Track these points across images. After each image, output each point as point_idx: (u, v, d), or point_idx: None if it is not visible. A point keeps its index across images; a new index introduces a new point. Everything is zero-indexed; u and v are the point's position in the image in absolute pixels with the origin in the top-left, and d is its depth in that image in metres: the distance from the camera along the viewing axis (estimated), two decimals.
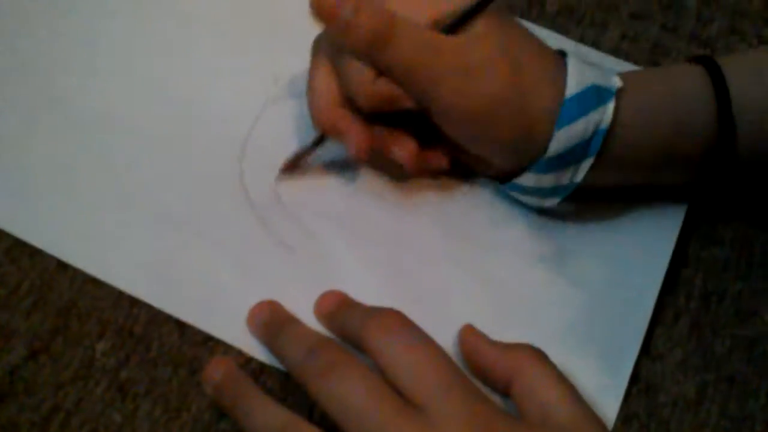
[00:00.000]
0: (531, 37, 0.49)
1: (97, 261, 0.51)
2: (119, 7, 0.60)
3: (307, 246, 0.52)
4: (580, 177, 0.49)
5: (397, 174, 0.55)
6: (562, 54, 0.50)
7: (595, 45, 0.61)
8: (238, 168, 0.54)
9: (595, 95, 0.48)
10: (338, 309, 0.49)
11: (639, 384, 0.49)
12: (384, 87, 0.48)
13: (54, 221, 0.52)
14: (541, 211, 0.54)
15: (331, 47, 0.50)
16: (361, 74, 0.48)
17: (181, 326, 0.49)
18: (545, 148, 0.48)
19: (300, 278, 0.51)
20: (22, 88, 0.56)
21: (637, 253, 0.53)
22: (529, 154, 0.49)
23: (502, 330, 0.48)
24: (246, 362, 0.48)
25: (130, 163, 0.54)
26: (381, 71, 0.47)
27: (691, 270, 0.53)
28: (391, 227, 0.53)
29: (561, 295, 0.52)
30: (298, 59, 0.53)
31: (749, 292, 0.53)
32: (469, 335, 0.48)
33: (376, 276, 0.51)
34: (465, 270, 0.52)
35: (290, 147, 0.54)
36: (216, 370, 0.46)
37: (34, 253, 0.51)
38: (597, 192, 0.52)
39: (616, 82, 0.49)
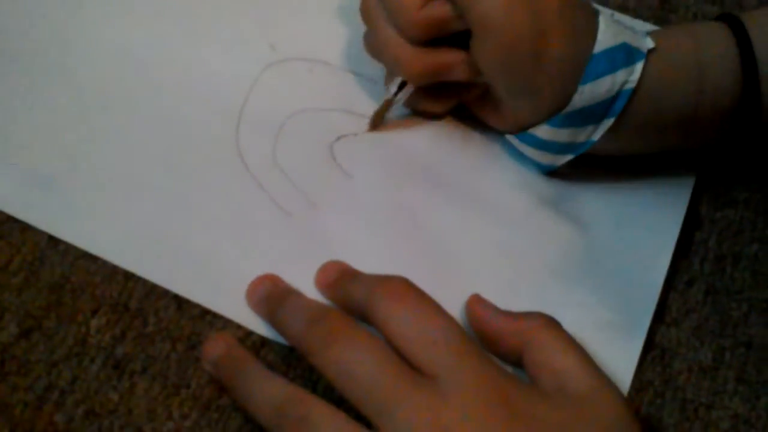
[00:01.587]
0: None
1: (89, 235, 0.49)
2: None
3: (306, 211, 0.51)
4: (597, 136, 0.48)
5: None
6: (595, 12, 0.49)
7: (602, 2, 0.59)
8: (234, 134, 0.53)
9: (625, 54, 0.47)
10: (341, 279, 0.47)
11: (654, 351, 0.48)
12: (434, 10, 0.47)
13: (44, 195, 0.50)
14: (552, 176, 0.53)
15: None
16: (406, 2, 0.47)
17: (178, 300, 0.48)
18: (567, 101, 0.47)
19: (299, 245, 0.50)
20: (13, 65, 0.55)
21: (649, 217, 0.52)
22: (552, 103, 0.48)
23: (512, 298, 0.47)
24: (246, 336, 0.47)
25: (122, 134, 0.53)
26: None
27: (704, 233, 0.52)
28: (391, 191, 0.52)
29: (573, 262, 0.50)
30: (294, 25, 0.53)
31: (765, 254, 0.51)
32: (477, 305, 0.46)
33: (377, 241, 0.50)
34: (472, 237, 0.51)
35: (287, 112, 0.54)
36: (215, 346, 0.45)
37: (25, 228, 0.49)
38: (607, 159, 0.52)
39: (648, 43, 0.48)
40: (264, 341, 0.47)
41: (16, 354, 0.46)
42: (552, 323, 0.44)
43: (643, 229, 0.51)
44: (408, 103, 0.54)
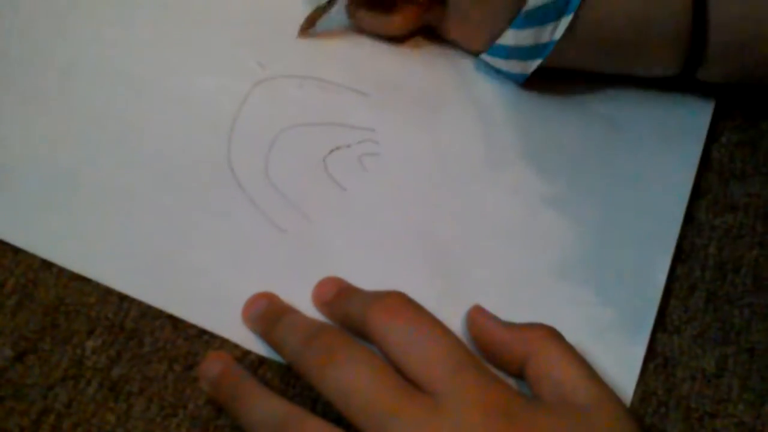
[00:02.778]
0: None
1: (81, 258, 0.49)
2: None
3: (300, 226, 0.50)
4: (559, 34, 0.50)
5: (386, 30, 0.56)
6: None
7: None
8: (226, 152, 0.53)
9: None
10: (338, 296, 0.47)
11: (656, 359, 0.47)
12: None
13: (34, 219, 0.50)
14: (549, 180, 0.53)
15: None
16: None
17: (174, 319, 0.47)
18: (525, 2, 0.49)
19: (294, 261, 0.49)
20: (8, 86, 0.55)
21: (647, 223, 0.51)
22: (511, 7, 0.50)
23: (512, 308, 0.46)
24: (243, 355, 0.46)
25: (113, 155, 0.52)
26: None
27: (704, 239, 0.51)
28: (387, 203, 0.52)
29: (571, 270, 0.50)
30: (281, 43, 0.54)
31: (766, 259, 0.51)
32: (478, 315, 0.46)
33: (374, 255, 0.50)
34: (471, 246, 0.50)
35: (278, 127, 0.54)
36: (212, 365, 0.44)
37: (18, 250, 0.49)
38: (604, 163, 0.52)
39: None
40: (261, 360, 0.46)
41: (11, 378, 0.45)
42: (554, 334, 0.43)
43: (641, 235, 0.51)
44: (368, 26, 0.56)
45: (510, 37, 0.52)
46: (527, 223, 0.51)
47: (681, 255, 0.51)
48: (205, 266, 0.49)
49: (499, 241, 0.51)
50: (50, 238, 0.49)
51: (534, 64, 0.52)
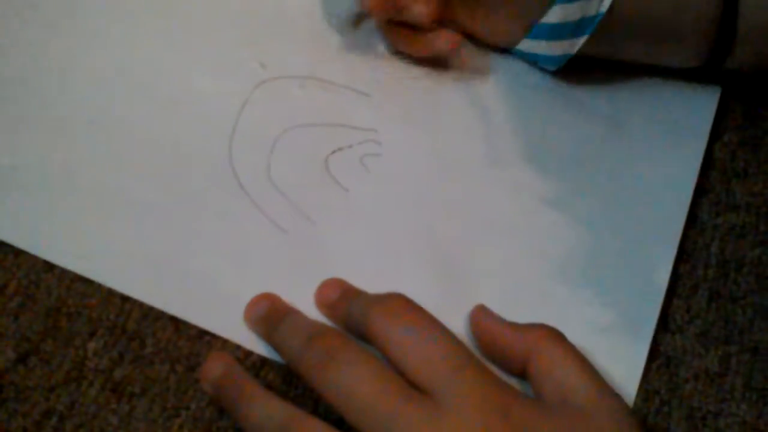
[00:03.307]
0: None
1: (83, 259, 0.49)
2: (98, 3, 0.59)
3: (302, 227, 0.50)
4: (606, 6, 0.48)
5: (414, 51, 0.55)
6: None
7: None
8: (228, 153, 0.53)
9: None
10: (341, 298, 0.47)
11: (659, 359, 0.47)
12: None
13: (35, 220, 0.50)
14: (551, 181, 0.52)
15: None
16: None
17: (176, 321, 0.47)
18: None
19: (296, 262, 0.49)
20: (6, 89, 0.55)
21: (649, 222, 0.51)
22: None
23: (515, 308, 0.46)
24: (245, 356, 0.46)
25: (114, 156, 0.52)
26: None
27: (706, 238, 0.51)
28: (389, 204, 0.52)
29: (574, 270, 0.50)
30: (283, 43, 0.53)
31: None
32: (481, 315, 0.46)
33: (376, 256, 0.50)
34: (473, 247, 0.50)
35: (280, 128, 0.54)
36: (214, 366, 0.44)
37: (19, 252, 0.49)
38: (606, 160, 0.52)
39: None
40: (263, 361, 0.46)
41: (13, 379, 0.45)
42: (556, 335, 0.43)
43: (643, 234, 0.51)
44: (400, 48, 0.55)
45: (557, 14, 0.50)
46: (529, 223, 0.51)
47: (683, 254, 0.50)
48: (206, 267, 0.49)
49: (502, 242, 0.51)
50: (52, 240, 0.49)
51: (580, 42, 0.51)
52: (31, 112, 0.54)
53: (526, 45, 0.53)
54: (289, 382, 0.45)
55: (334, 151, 0.53)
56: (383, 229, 0.51)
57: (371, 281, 0.46)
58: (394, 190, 0.52)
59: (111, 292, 0.48)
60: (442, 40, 0.53)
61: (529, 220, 0.51)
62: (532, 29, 0.52)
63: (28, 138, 0.53)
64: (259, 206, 0.51)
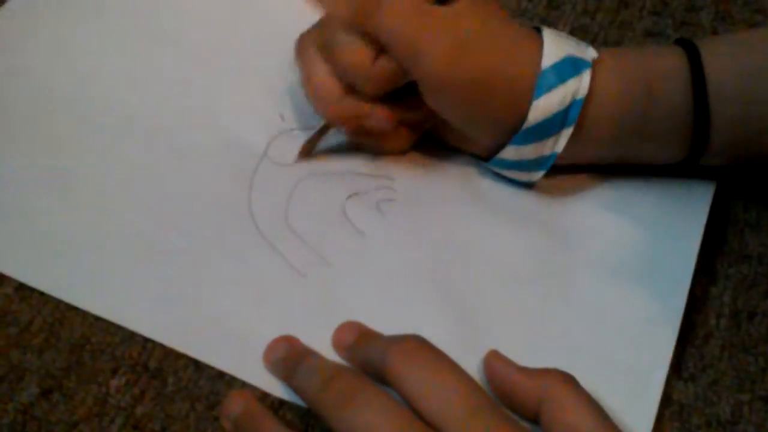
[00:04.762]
0: (504, 13, 0.52)
1: (105, 302, 0.49)
2: (118, 44, 0.61)
3: (319, 270, 0.51)
4: (560, 147, 0.51)
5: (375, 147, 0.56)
6: (537, 29, 0.51)
7: None
8: (247, 198, 0.54)
9: (571, 65, 0.50)
10: (358, 341, 0.47)
11: (672, 406, 0.48)
12: (383, 65, 0.50)
13: (58, 264, 0.51)
14: (559, 228, 0.53)
15: (321, 41, 0.52)
16: (359, 60, 0.50)
17: (196, 360, 0.48)
18: (525, 119, 0.50)
19: (315, 306, 0.50)
20: (15, 127, 0.56)
21: (661, 267, 0.52)
22: (510, 126, 0.50)
23: (529, 353, 0.46)
24: (264, 396, 0.47)
25: (136, 200, 0.54)
26: (373, 38, 0.49)
27: (719, 288, 0.52)
28: (406, 248, 0.53)
29: (587, 318, 0.50)
30: (303, 96, 0.54)
31: None
32: (494, 361, 0.46)
33: (393, 299, 0.50)
34: (488, 292, 0.51)
35: (298, 176, 0.55)
36: (235, 404, 0.44)
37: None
38: (610, 213, 0.54)
39: (592, 53, 0.51)
40: (282, 401, 0.47)
41: (36, 414, 0.46)
42: (569, 380, 0.44)
43: (656, 280, 0.51)
44: (372, 147, 0.56)
45: (511, 153, 0.52)
46: (542, 268, 0.52)
47: (696, 303, 0.51)
48: (226, 311, 0.49)
49: (516, 287, 0.51)
50: (73, 283, 0.50)
51: (537, 175, 0.53)
52: (48, 155, 0.55)
53: (491, 167, 0.55)
54: (307, 421, 0.46)
55: (350, 196, 0.54)
56: (400, 273, 0.51)
57: (388, 324, 0.47)
58: (410, 234, 0.53)
59: (134, 331, 0.48)
60: (379, 117, 0.53)
61: (543, 263, 0.52)
62: (490, 159, 0.53)
63: (45, 180, 0.54)
64: (277, 249, 0.52)
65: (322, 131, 0.55)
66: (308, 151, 0.56)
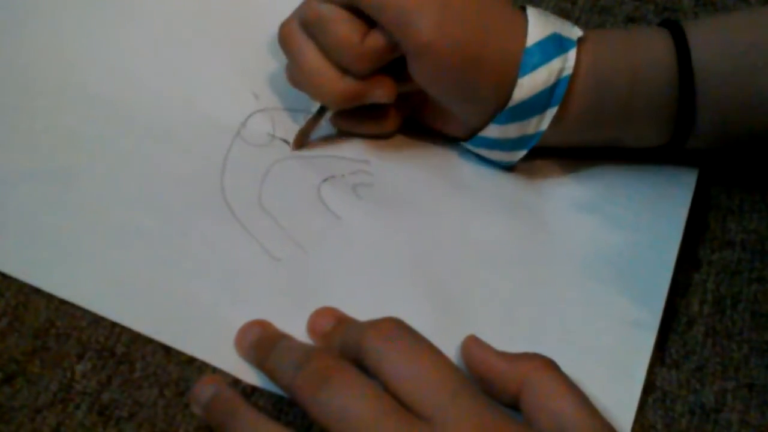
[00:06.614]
0: None
1: (71, 285, 0.48)
2: (89, 26, 0.59)
3: (294, 255, 0.50)
4: (545, 126, 0.50)
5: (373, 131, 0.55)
6: (522, 8, 0.51)
7: None
8: (219, 181, 0.53)
9: (556, 43, 0.49)
10: (334, 327, 0.46)
11: (655, 393, 0.47)
12: (372, 42, 0.49)
13: (23, 246, 0.49)
14: (544, 217, 0.52)
15: (307, 23, 0.51)
16: (349, 38, 0.49)
17: (166, 345, 0.46)
18: (509, 97, 0.49)
19: (289, 291, 0.49)
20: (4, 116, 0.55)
21: (643, 253, 0.51)
22: (495, 103, 0.50)
23: (508, 338, 0.45)
24: (235, 382, 0.45)
25: (105, 181, 0.52)
26: (360, 14, 0.49)
27: (702, 274, 0.51)
28: (381, 231, 0.51)
29: (568, 303, 0.49)
30: (277, 76, 0.54)
31: (764, 295, 0.51)
32: (473, 346, 0.45)
33: (369, 283, 0.49)
34: (466, 275, 0.50)
35: (272, 158, 0.54)
36: (205, 389, 0.43)
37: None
38: (595, 200, 0.53)
39: (577, 32, 0.50)
40: (254, 388, 0.45)
41: None
42: (550, 365, 0.43)
43: (638, 266, 0.51)
44: (356, 132, 0.55)
45: (494, 131, 0.51)
46: (523, 253, 0.51)
47: (679, 289, 0.50)
48: (196, 294, 0.48)
49: (494, 271, 0.50)
50: (39, 266, 0.49)
51: (519, 155, 0.52)
52: (17, 138, 0.53)
53: (471, 148, 0.54)
54: (279, 408, 0.45)
55: (326, 179, 0.53)
56: (376, 257, 0.50)
57: (364, 309, 0.46)
58: (387, 218, 0.52)
59: (101, 315, 0.47)
60: (382, 90, 0.52)
61: (523, 250, 0.51)
62: (472, 138, 0.53)
63: (16, 161, 0.52)
64: (251, 233, 0.51)
65: (318, 117, 0.54)
66: (303, 140, 0.55)
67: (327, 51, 0.51)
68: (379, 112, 0.54)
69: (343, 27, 0.49)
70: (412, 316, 0.43)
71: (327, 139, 0.55)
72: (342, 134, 0.55)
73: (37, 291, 0.48)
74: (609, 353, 0.48)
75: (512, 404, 0.43)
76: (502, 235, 0.52)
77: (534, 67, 0.49)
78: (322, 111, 0.54)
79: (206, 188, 0.52)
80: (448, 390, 0.39)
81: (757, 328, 0.49)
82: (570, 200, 0.53)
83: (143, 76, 0.57)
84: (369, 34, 0.49)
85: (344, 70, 0.51)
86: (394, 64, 0.50)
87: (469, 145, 0.54)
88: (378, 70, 0.51)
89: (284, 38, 0.52)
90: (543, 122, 0.50)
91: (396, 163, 0.54)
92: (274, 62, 0.57)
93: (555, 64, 0.49)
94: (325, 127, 0.55)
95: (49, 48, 0.58)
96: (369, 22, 0.49)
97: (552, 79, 0.49)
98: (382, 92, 0.52)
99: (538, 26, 0.49)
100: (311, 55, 0.51)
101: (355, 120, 0.55)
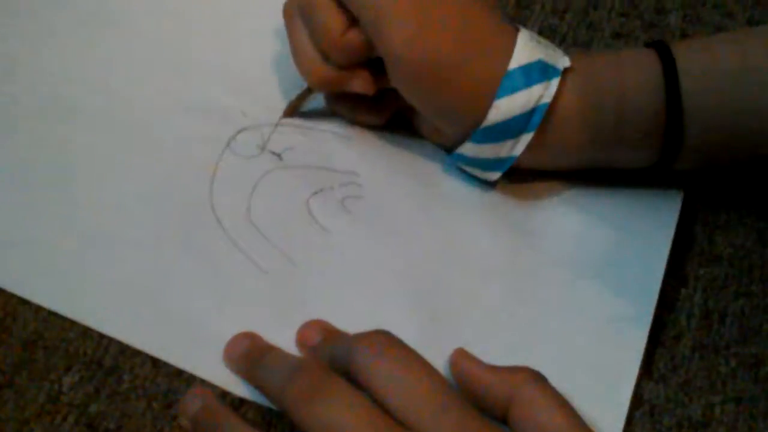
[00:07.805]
0: (487, 5, 0.51)
1: (59, 296, 0.48)
2: (81, 38, 0.59)
3: (283, 268, 0.50)
4: (519, 151, 0.50)
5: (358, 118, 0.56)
6: (516, 28, 0.50)
7: None
8: (208, 193, 0.52)
9: (540, 70, 0.49)
10: (323, 340, 0.46)
11: (642, 407, 0.47)
12: (352, 37, 0.50)
13: (11, 256, 0.49)
14: (534, 225, 0.53)
15: (300, 8, 0.52)
16: (330, 29, 0.50)
17: (154, 357, 0.46)
18: (483, 116, 0.49)
19: (278, 304, 0.49)
20: None
21: (630, 268, 0.52)
22: (471, 121, 0.49)
23: (497, 352, 0.46)
24: (224, 394, 0.45)
25: (92, 193, 0.52)
26: (346, 7, 0.50)
27: (690, 289, 0.51)
28: (370, 245, 0.51)
29: (556, 316, 0.50)
30: (265, 93, 0.55)
31: (751, 309, 0.51)
32: (462, 359, 0.45)
33: (357, 296, 0.49)
34: (454, 288, 0.50)
35: (261, 171, 0.54)
36: (193, 401, 0.43)
37: None
38: (584, 213, 0.53)
39: (565, 62, 0.50)
40: (242, 400, 0.45)
41: None
42: (539, 378, 0.43)
43: (625, 281, 0.51)
44: (346, 116, 0.56)
45: (469, 149, 0.51)
46: (510, 267, 0.51)
47: (667, 304, 0.50)
48: (185, 307, 0.48)
49: (483, 284, 0.50)
50: (26, 276, 0.48)
51: (494, 176, 0.52)
52: (7, 150, 0.53)
53: (451, 161, 0.54)
54: (268, 420, 0.45)
55: (315, 193, 0.53)
56: (364, 271, 0.50)
57: (353, 323, 0.46)
58: (376, 232, 0.52)
59: (89, 327, 0.47)
60: (359, 82, 0.53)
61: (512, 262, 0.51)
62: (451, 152, 0.53)
63: (3, 172, 0.52)
64: (239, 247, 0.50)
65: (305, 94, 0.55)
66: (292, 112, 0.56)
67: (312, 36, 0.52)
68: (369, 102, 0.54)
69: (326, 16, 0.50)
70: (401, 329, 0.43)
71: (316, 148, 0.55)
72: (333, 114, 0.57)
73: (25, 302, 0.47)
74: (597, 367, 0.48)
75: (501, 417, 0.43)
76: (489, 248, 0.52)
77: (514, 90, 0.48)
78: (310, 89, 0.55)
79: (195, 200, 0.52)
80: (437, 402, 0.39)
81: (745, 343, 0.49)
82: (557, 215, 0.54)
83: (132, 90, 0.57)
84: (351, 29, 0.50)
85: (326, 57, 0.51)
86: (379, 59, 0.51)
87: (450, 159, 0.54)
88: (363, 62, 0.51)
89: (285, 15, 0.54)
90: (517, 147, 0.50)
91: (385, 175, 0.54)
92: (260, 78, 0.58)
93: (535, 91, 0.48)
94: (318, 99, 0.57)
95: (38, 61, 0.58)
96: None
97: (530, 105, 0.48)
98: (359, 84, 0.52)
99: (526, 50, 0.49)
100: (299, 36, 0.52)
101: (346, 104, 0.55)
